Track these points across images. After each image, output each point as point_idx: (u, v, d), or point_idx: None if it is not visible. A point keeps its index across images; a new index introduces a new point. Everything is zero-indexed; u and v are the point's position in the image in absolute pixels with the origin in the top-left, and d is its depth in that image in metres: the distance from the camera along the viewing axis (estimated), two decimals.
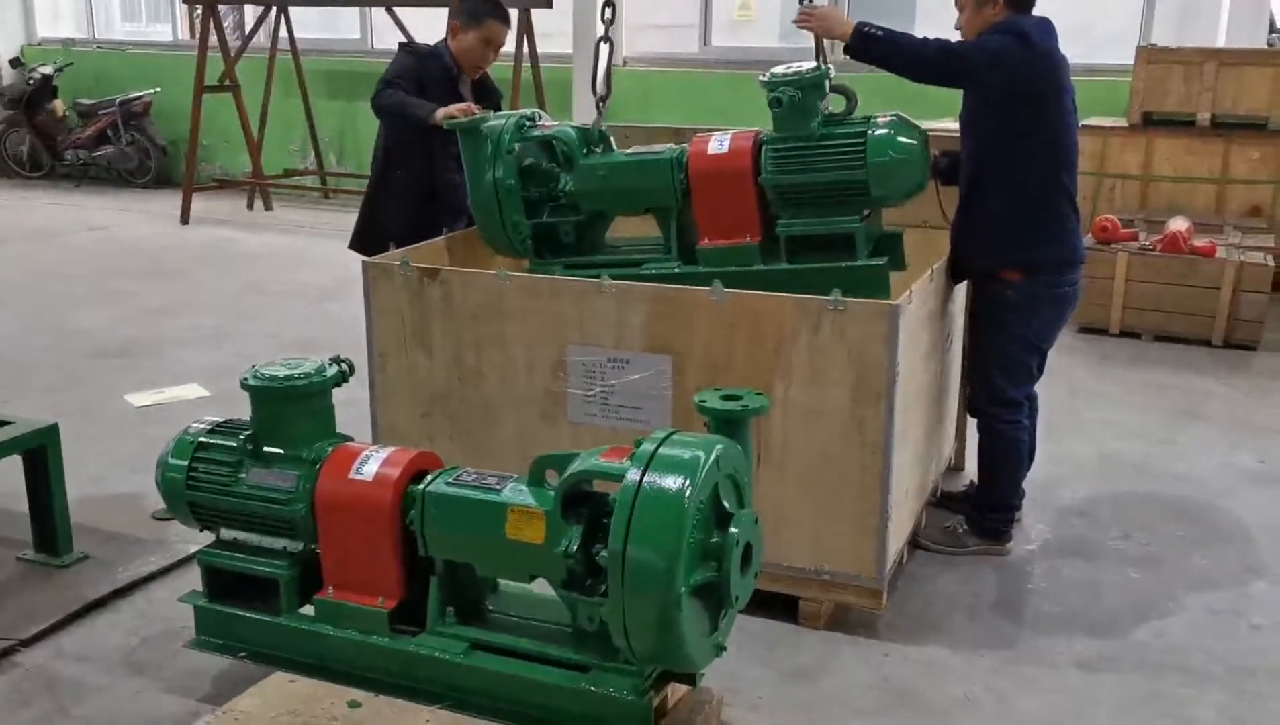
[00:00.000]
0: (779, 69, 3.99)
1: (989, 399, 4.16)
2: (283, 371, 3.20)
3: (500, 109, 5.13)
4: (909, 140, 3.88)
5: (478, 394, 4.07)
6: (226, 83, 11.17)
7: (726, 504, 2.78)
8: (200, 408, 5.73)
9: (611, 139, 4.39)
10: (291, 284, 8.59)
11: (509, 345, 3.98)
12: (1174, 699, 3.42)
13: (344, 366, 3.31)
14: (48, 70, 12.90)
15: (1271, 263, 7.00)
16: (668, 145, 4.25)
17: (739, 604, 2.81)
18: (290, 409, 3.20)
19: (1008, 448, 4.19)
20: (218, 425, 3.35)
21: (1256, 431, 5.56)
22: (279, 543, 3.29)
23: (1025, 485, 4.39)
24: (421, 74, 4.81)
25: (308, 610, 3.27)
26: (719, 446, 2.78)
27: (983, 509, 4.29)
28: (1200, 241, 7.09)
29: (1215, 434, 5.54)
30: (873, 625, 3.78)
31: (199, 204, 11.17)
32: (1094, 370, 6.48)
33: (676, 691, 3.09)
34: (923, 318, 3.84)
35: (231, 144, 12.24)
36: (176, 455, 3.30)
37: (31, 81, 12.82)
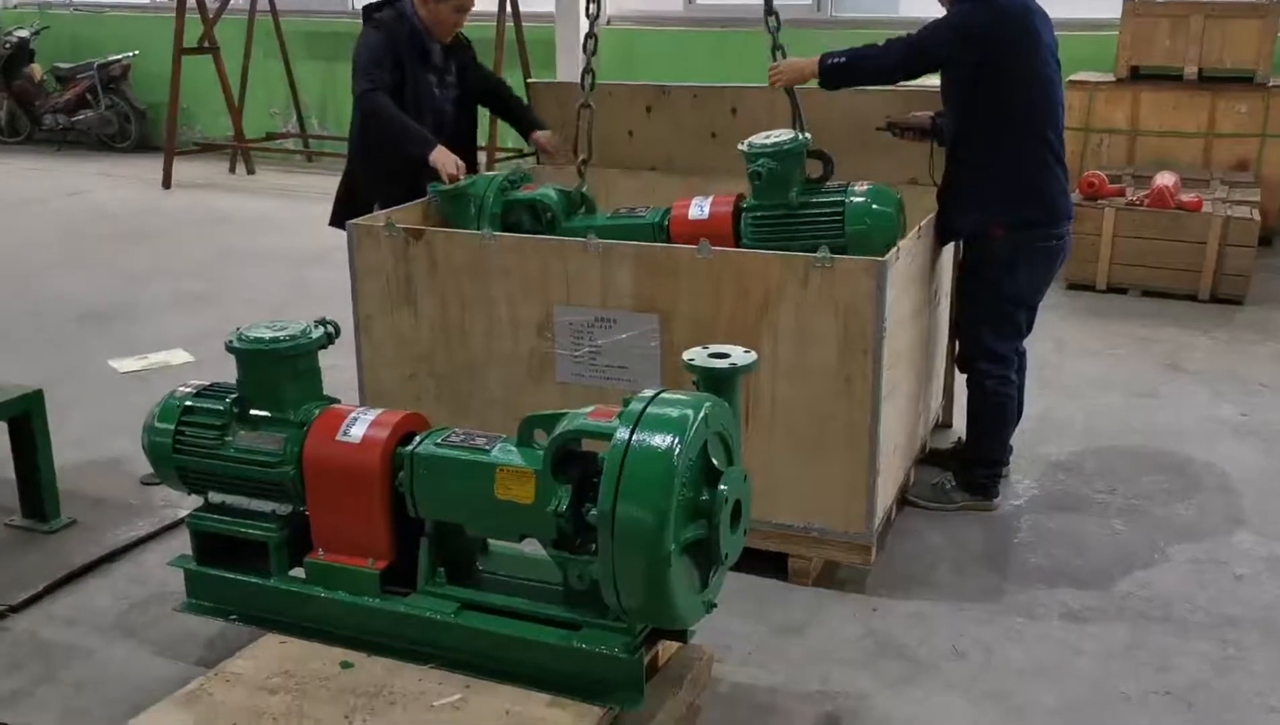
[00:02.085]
0: (758, 138, 4.03)
1: (978, 354, 4.17)
2: (269, 334, 3.18)
3: (475, 58, 5.09)
4: (885, 208, 3.94)
5: (464, 354, 4.06)
6: (206, 45, 11.05)
7: (716, 462, 2.78)
8: (185, 373, 5.72)
9: (595, 201, 4.46)
10: (274, 248, 8.53)
11: (495, 305, 3.97)
12: (1158, 648, 3.45)
13: (330, 328, 3.30)
14: (24, 34, 12.74)
15: (1258, 217, 7.01)
16: (649, 208, 4.33)
17: (729, 561, 2.82)
18: (276, 371, 3.18)
19: (996, 404, 4.20)
20: (204, 389, 3.33)
21: (1239, 384, 5.59)
22: (268, 505, 3.29)
23: (1012, 441, 4.40)
24: (395, 47, 4.71)
25: (298, 572, 3.27)
26: (707, 404, 2.78)
27: (970, 465, 4.31)
28: (1187, 196, 7.09)
29: (1199, 387, 5.57)
30: (861, 581, 3.80)
31: (180, 168, 11.07)
32: (1081, 325, 6.50)
33: (668, 648, 3.11)
34: (911, 274, 3.84)
35: (212, 107, 12.11)
36: (163, 419, 3.28)
37: (8, 46, 12.66)
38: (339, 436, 3.10)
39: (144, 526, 4.17)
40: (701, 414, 2.74)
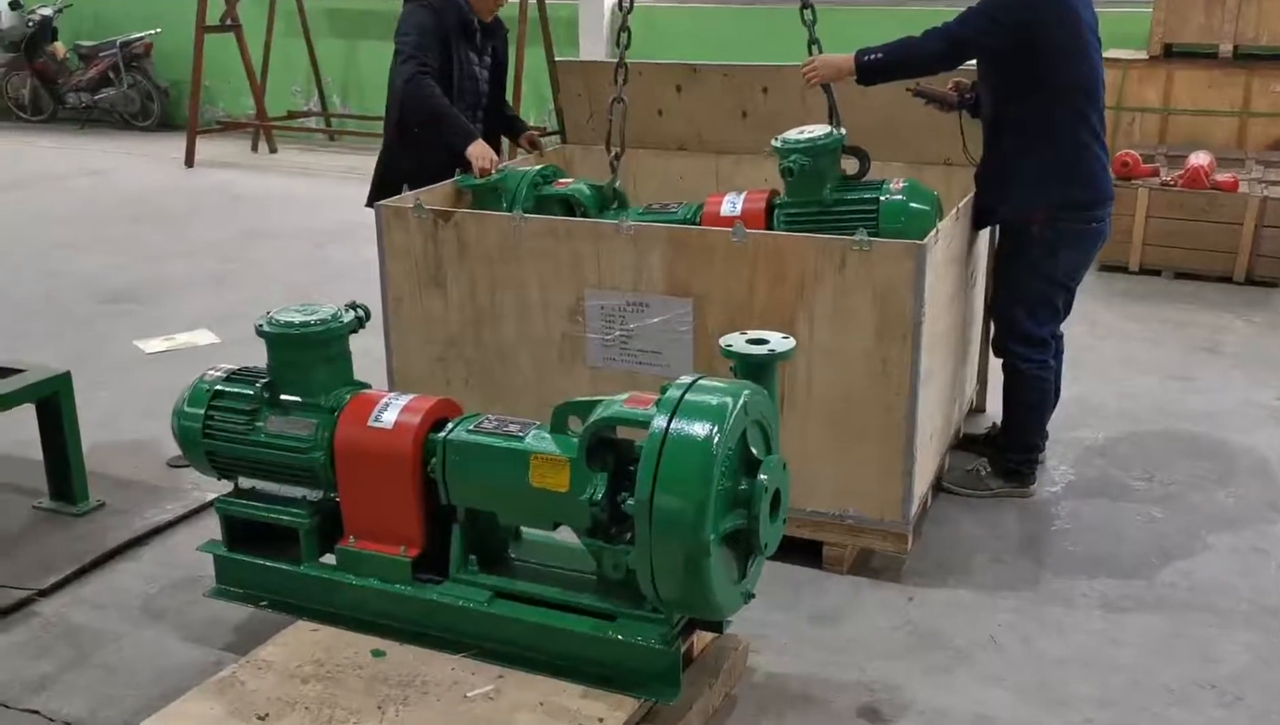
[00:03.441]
0: (791, 134, 3.99)
1: (1014, 338, 4.09)
2: (299, 317, 3.14)
3: (506, 37, 5.05)
4: (921, 206, 3.89)
5: (494, 338, 4.01)
6: (228, 22, 11.00)
7: (755, 450, 2.73)
8: (211, 353, 5.69)
9: (626, 196, 4.42)
10: (297, 228, 8.50)
11: (525, 288, 3.91)
12: (1200, 639, 3.39)
13: (360, 312, 3.25)
14: (47, 11, 12.72)
15: None
16: (681, 203, 4.30)
17: (768, 551, 2.77)
18: (307, 356, 3.14)
19: (1032, 388, 4.13)
20: (233, 373, 3.30)
21: (1277, 368, 5.49)
22: (298, 491, 3.25)
23: (1047, 426, 4.33)
24: (442, 28, 4.67)
25: (328, 559, 3.24)
26: (746, 392, 2.72)
27: (1006, 451, 4.24)
28: (1222, 176, 6.97)
29: (1236, 371, 5.48)
30: (896, 569, 3.75)
31: (203, 147, 11.05)
32: (1114, 308, 6.41)
33: (703, 638, 3.07)
34: (949, 257, 3.77)
35: (234, 86, 12.08)
36: (192, 404, 3.25)
37: (31, 24, 12.65)
38: (371, 422, 3.06)
39: (172, 509, 4.14)
40: (740, 402, 2.68)
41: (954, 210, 3.86)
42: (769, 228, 4.03)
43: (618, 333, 3.81)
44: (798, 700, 3.11)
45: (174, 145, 11.29)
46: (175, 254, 7.77)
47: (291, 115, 12.00)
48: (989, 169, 4.03)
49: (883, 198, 3.92)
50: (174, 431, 3.31)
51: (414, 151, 4.77)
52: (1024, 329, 4.07)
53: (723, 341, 2.95)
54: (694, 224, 4.16)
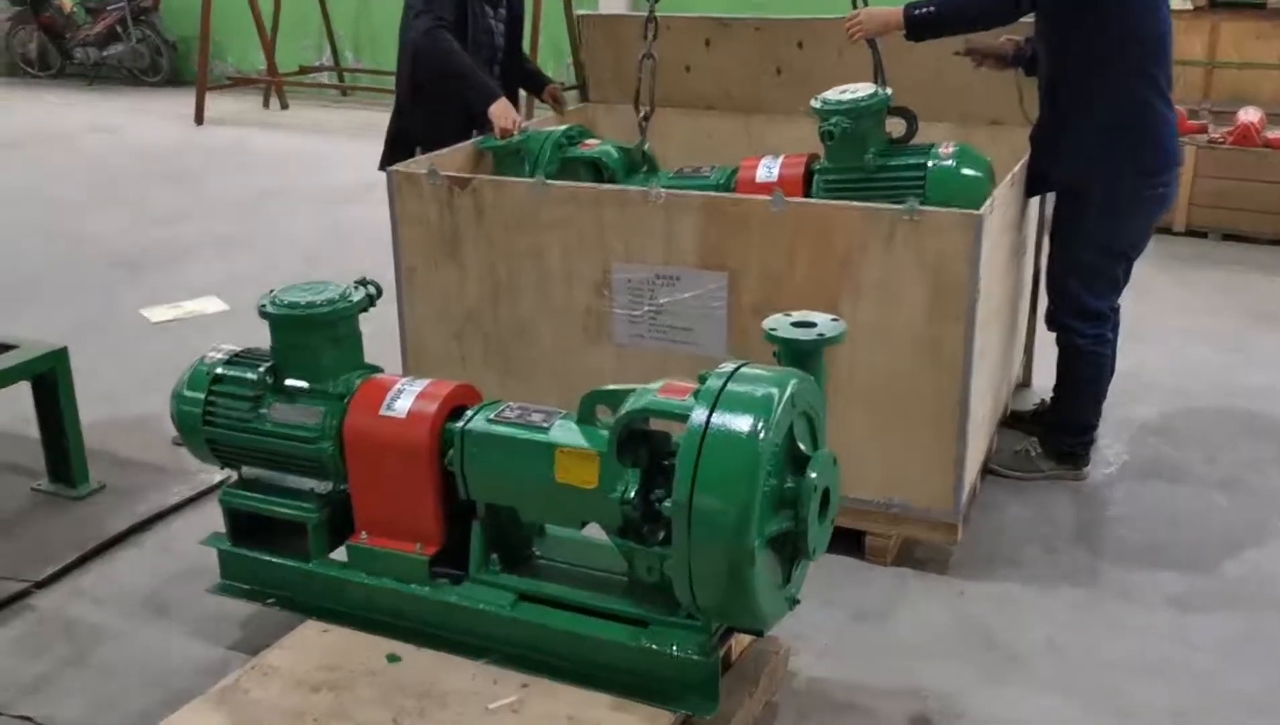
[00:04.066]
0: (832, 94, 3.71)
1: (1070, 312, 3.83)
2: (304, 297, 2.90)
3: (521, 16, 4.80)
4: (974, 172, 3.61)
5: (514, 312, 3.77)
6: None
7: (802, 445, 2.49)
8: (220, 322, 5.48)
9: (656, 159, 4.18)
10: (310, 187, 8.26)
11: (547, 260, 3.67)
12: (1279, 641, 3.15)
13: (371, 289, 3.01)
14: None
15: None
16: (714, 168, 4.03)
17: (815, 556, 2.54)
18: (313, 338, 2.91)
19: (1089, 365, 3.87)
20: (235, 355, 3.06)
21: None
22: (305, 482, 3.03)
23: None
24: None
25: (338, 554, 3.03)
26: (794, 381, 2.48)
27: (1059, 431, 3.99)
28: (1273, 133, 6.65)
29: None
30: (943, 560, 3.52)
31: (213, 103, 10.78)
32: (1161, 272, 6.09)
33: (740, 641, 2.85)
34: (1003, 226, 3.50)
35: (243, 40, 11.78)
36: (192, 387, 3.02)
37: None
38: (383, 410, 2.82)
39: (177, 493, 3.94)
40: (788, 393, 2.44)
41: (1009, 176, 3.58)
42: (807, 195, 3.77)
43: (646, 308, 3.56)
44: (842, 708, 2.89)
45: (183, 101, 11.01)
46: (185, 215, 7.54)
47: (303, 70, 11.71)
48: (1046, 130, 3.74)
49: (931, 163, 3.65)
50: (173, 415, 3.09)
51: (428, 112, 4.54)
52: (1081, 302, 3.80)
53: (766, 324, 2.70)
54: (728, 190, 3.90)
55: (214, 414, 2.99)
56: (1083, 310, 3.81)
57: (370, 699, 2.67)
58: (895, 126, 3.83)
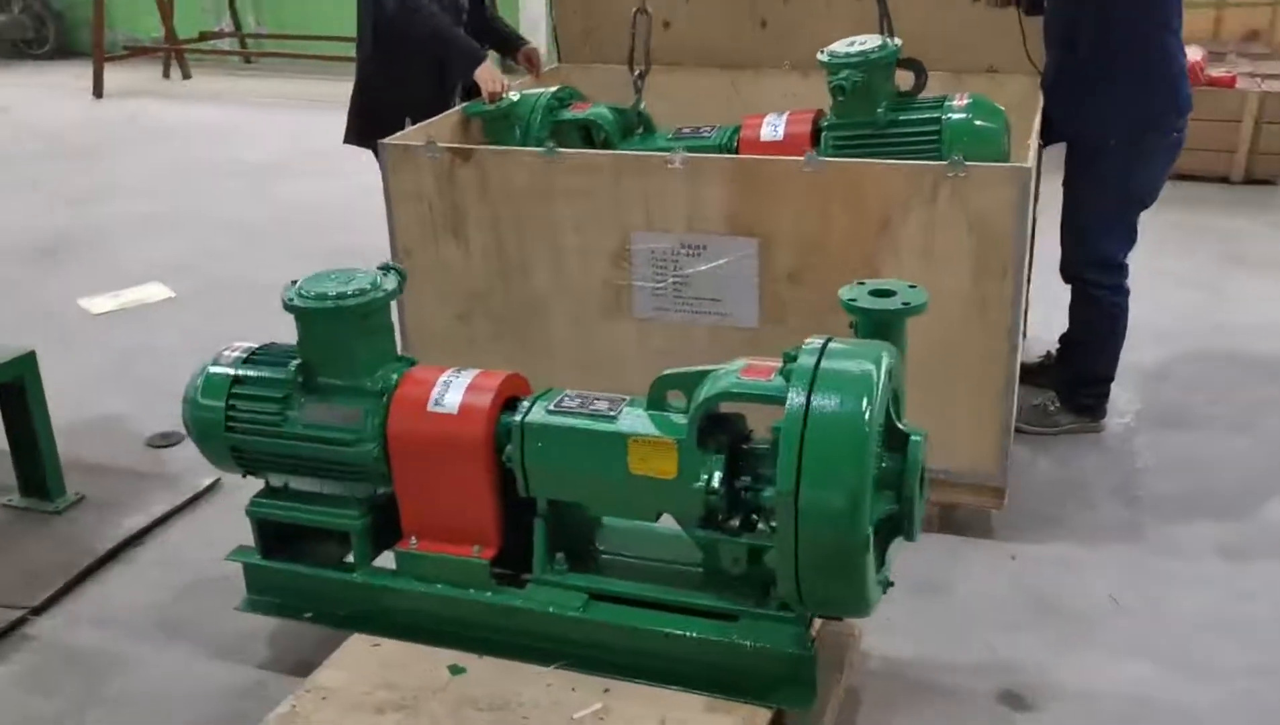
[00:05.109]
0: (839, 46, 3.53)
1: (1089, 264, 3.76)
2: (333, 287, 2.66)
3: None
4: (990, 124, 3.47)
5: (524, 290, 3.57)
6: None
7: (900, 424, 2.37)
8: (168, 311, 5.14)
9: (651, 119, 3.99)
10: (229, 162, 7.83)
11: (559, 233, 3.47)
12: None
13: (399, 273, 2.79)
14: None
15: None
16: (715, 128, 3.84)
17: (916, 536, 2.42)
18: (346, 331, 2.66)
19: (1107, 316, 3.82)
20: (254, 352, 2.81)
21: None
22: (339, 487, 2.80)
23: None
24: None
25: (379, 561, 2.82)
26: (887, 356, 2.35)
27: (1076, 384, 3.94)
28: (1216, 72, 6.70)
29: (1267, 279, 5.25)
30: (985, 524, 3.43)
31: (109, 75, 10.17)
32: None
33: (814, 625, 2.72)
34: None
35: (135, 6, 11.15)
36: (208, 395, 2.76)
37: None
38: (431, 406, 2.61)
39: (164, 500, 3.66)
40: (885, 367, 2.31)
41: (1034, 131, 3.47)
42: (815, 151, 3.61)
43: (671, 280, 3.39)
44: (926, 690, 2.79)
45: (77, 73, 10.40)
46: (100, 195, 7.08)
47: (204, 36, 11.13)
48: (1063, 81, 3.64)
49: (945, 117, 3.52)
50: (186, 423, 2.82)
51: (398, 83, 4.26)
52: (1100, 252, 3.74)
53: (843, 293, 2.55)
54: (730, 150, 3.74)
55: (237, 419, 2.74)
56: (1103, 261, 3.75)
57: (444, 717, 2.47)
58: (904, 80, 3.70)
